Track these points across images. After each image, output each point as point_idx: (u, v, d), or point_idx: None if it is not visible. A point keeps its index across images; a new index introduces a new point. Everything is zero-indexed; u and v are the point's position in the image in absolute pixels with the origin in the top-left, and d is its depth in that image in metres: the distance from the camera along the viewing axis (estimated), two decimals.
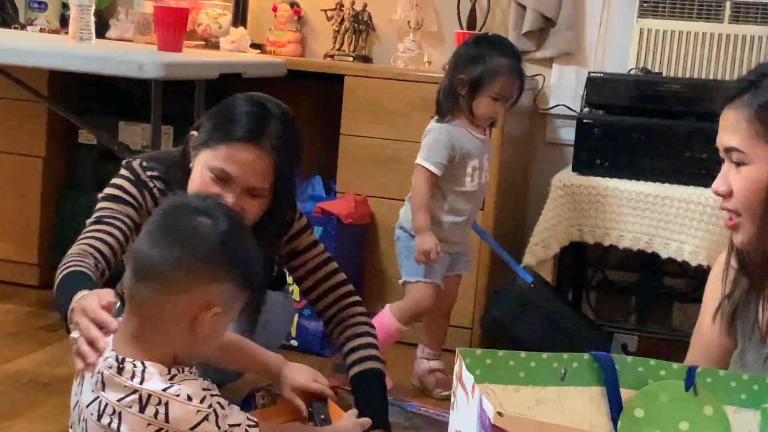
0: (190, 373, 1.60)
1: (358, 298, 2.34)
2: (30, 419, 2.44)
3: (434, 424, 2.41)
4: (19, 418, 2.45)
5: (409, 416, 2.34)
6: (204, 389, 1.56)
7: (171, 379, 1.54)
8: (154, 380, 1.52)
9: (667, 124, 3.01)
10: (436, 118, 2.82)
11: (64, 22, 3.77)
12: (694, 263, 2.90)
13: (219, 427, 1.54)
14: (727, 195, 1.59)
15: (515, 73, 2.75)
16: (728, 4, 3.25)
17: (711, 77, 3.28)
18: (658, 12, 3.35)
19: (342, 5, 3.71)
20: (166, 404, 1.50)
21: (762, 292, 1.64)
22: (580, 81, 3.48)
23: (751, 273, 1.66)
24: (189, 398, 1.52)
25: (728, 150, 1.58)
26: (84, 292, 1.73)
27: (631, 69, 3.38)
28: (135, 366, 1.52)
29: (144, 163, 2.19)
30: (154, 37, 3.23)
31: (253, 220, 2.02)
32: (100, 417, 1.53)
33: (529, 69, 3.62)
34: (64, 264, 2.03)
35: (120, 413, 1.51)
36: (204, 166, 2.00)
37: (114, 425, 1.51)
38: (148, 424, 1.50)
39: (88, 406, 1.56)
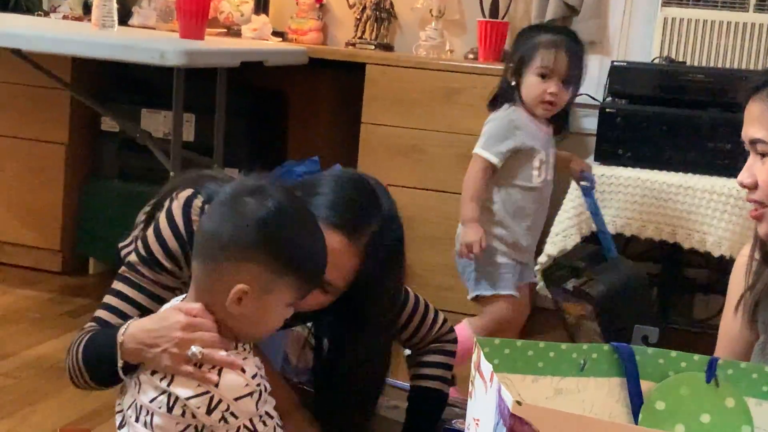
0: (244, 350, 1.61)
1: (449, 330, 2.12)
2: (52, 405, 2.46)
3: (455, 409, 2.39)
4: (41, 403, 2.47)
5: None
6: (257, 367, 1.58)
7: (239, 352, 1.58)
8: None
9: (691, 114, 2.99)
10: (491, 108, 2.72)
11: (87, 9, 3.78)
12: (716, 254, 2.89)
13: (257, 409, 1.57)
14: (753, 187, 1.58)
15: (558, 45, 2.62)
16: None
17: (735, 67, 3.26)
18: (682, 1, 3.33)
19: None
20: (220, 370, 1.52)
21: None
22: (603, 70, 3.46)
23: None
24: (243, 371, 1.54)
25: (753, 142, 1.57)
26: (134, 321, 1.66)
27: (655, 58, 3.37)
28: None
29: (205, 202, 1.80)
30: (176, 25, 3.23)
31: (317, 307, 1.79)
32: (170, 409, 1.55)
33: None
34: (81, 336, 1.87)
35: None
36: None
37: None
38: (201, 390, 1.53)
39: (152, 401, 1.57)
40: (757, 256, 1.68)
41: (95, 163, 3.68)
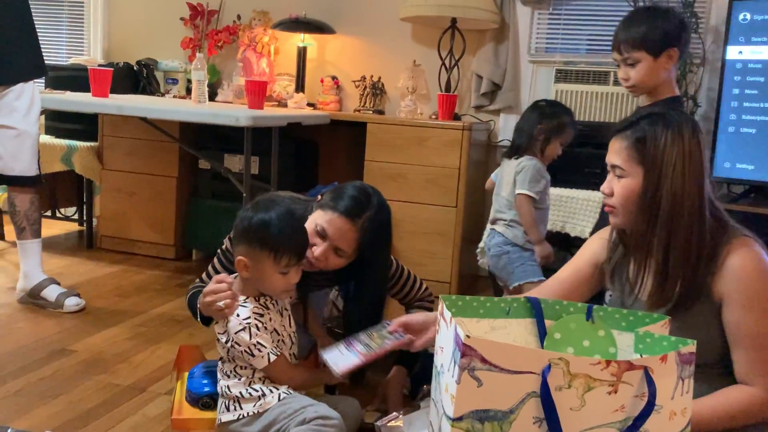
0: (256, 300, 1.74)
1: (428, 293, 2.17)
2: (170, 343, 2.47)
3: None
4: (162, 342, 2.48)
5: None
6: (255, 313, 1.70)
7: (244, 302, 1.72)
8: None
9: (574, 150, 2.99)
10: (515, 156, 2.60)
11: (188, 91, 3.79)
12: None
13: (251, 338, 1.67)
14: (610, 194, 1.62)
15: (573, 126, 2.61)
16: (612, 73, 3.25)
17: (602, 120, 3.28)
18: (567, 79, 3.35)
19: (365, 78, 3.72)
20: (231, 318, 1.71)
21: (631, 257, 1.66)
22: None
23: (626, 244, 1.68)
24: (238, 315, 1.70)
25: (613, 166, 1.60)
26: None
27: None
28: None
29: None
30: (245, 100, 3.25)
31: (336, 266, 1.87)
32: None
33: (484, 116, 3.63)
34: (192, 289, 2.01)
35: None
36: (314, 221, 1.85)
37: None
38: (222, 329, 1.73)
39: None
40: (611, 237, 1.71)
41: (195, 188, 3.68)
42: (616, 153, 1.58)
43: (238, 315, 1.69)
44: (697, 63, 3.21)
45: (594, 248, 1.75)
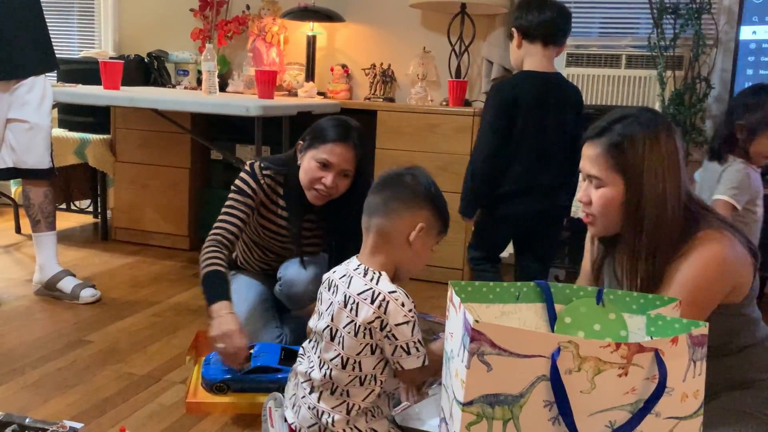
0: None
1: None
2: (184, 332, 2.49)
3: (443, 327, 2.39)
4: (178, 331, 2.50)
5: (427, 323, 2.33)
6: (412, 303, 1.52)
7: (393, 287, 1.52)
8: (384, 283, 1.51)
9: (585, 135, 2.99)
10: (716, 161, 2.33)
11: (199, 82, 3.81)
12: None
13: (413, 335, 1.50)
14: (588, 203, 1.57)
15: None
16: (624, 56, 3.22)
17: (614, 103, 3.25)
18: (579, 63, 3.32)
19: (375, 65, 3.71)
20: (388, 302, 1.48)
21: (613, 257, 1.64)
22: None
23: (605, 245, 1.66)
24: (403, 305, 1.49)
25: (589, 176, 1.55)
26: (223, 306, 1.91)
27: None
28: (374, 273, 1.53)
29: (262, 164, 2.19)
30: (256, 90, 3.25)
31: (344, 189, 2.09)
32: (345, 305, 1.52)
33: None
34: (207, 255, 2.06)
35: (357, 303, 1.50)
36: (311, 159, 2.05)
37: (353, 312, 1.50)
38: (374, 312, 1.48)
39: (344, 326, 1.52)
40: (592, 242, 1.70)
41: (207, 179, 3.70)
42: (592, 162, 1.53)
43: (403, 305, 1.49)
44: (710, 44, 3.18)
45: (588, 249, 1.75)
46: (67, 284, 2.76)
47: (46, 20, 2.78)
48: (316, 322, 1.60)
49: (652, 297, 1.43)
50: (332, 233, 2.25)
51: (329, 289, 1.59)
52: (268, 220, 2.25)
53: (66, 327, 2.48)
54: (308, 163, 2.06)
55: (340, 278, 1.57)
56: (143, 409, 1.90)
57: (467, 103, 3.41)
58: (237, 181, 2.19)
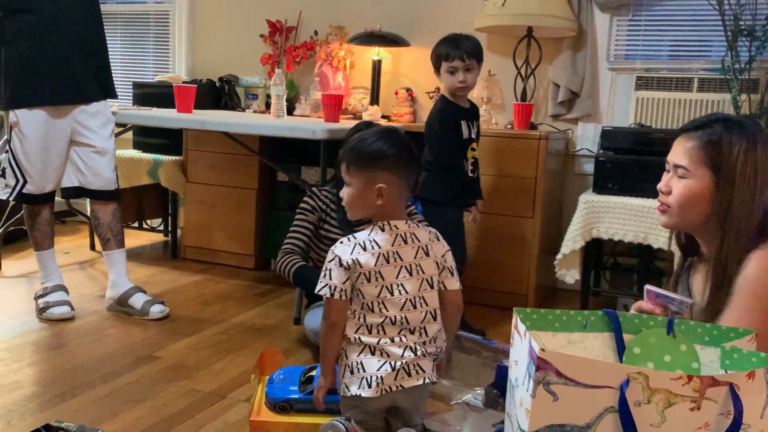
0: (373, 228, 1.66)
1: None
2: (249, 351, 2.52)
3: (506, 354, 2.35)
4: (243, 349, 2.53)
5: (491, 349, 2.30)
6: (355, 245, 1.61)
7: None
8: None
9: (655, 159, 2.92)
10: None
11: (267, 106, 3.89)
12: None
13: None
14: (667, 193, 1.57)
15: None
16: (696, 79, 3.14)
17: None
18: (648, 86, 3.27)
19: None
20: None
21: (691, 266, 1.61)
22: (597, 132, 3.41)
23: (683, 252, 1.63)
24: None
25: (677, 166, 1.55)
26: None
27: (631, 124, 3.31)
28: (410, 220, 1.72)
29: (319, 187, 2.45)
30: (322, 114, 3.30)
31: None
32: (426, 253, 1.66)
33: (561, 125, 3.57)
34: (287, 259, 2.38)
35: (429, 246, 1.67)
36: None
37: (432, 253, 1.67)
38: (443, 246, 1.69)
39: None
40: (674, 248, 1.66)
41: (273, 200, 3.76)
42: (683, 152, 1.53)
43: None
44: None
45: None
46: (137, 300, 2.85)
47: (123, 46, 2.90)
48: (399, 291, 1.60)
49: (725, 329, 1.38)
50: None
51: (391, 260, 1.61)
52: (326, 236, 2.45)
53: (135, 342, 2.55)
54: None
55: (399, 241, 1.62)
56: (208, 426, 1.93)
57: (533, 126, 3.39)
58: (301, 203, 2.40)
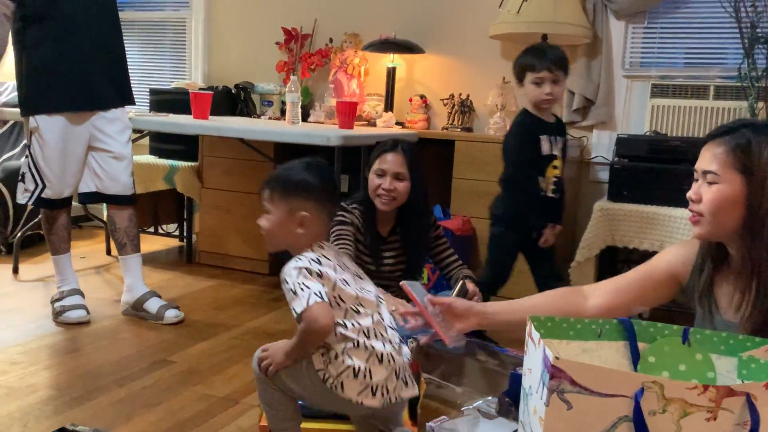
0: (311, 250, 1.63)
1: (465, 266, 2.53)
2: None
3: (519, 362, 2.35)
4: None
5: (504, 357, 2.29)
6: (312, 260, 1.59)
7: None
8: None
9: (670, 167, 2.90)
10: None
11: (283, 112, 3.91)
12: None
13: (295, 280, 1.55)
14: (697, 201, 1.52)
15: None
16: (712, 87, 3.12)
17: (699, 135, 3.15)
18: (664, 94, 3.25)
19: (453, 96, 3.73)
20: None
21: (718, 274, 1.57)
22: (612, 140, 3.39)
23: (714, 260, 1.59)
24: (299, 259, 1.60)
25: (706, 172, 1.52)
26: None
27: (646, 131, 3.29)
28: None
29: (348, 201, 2.43)
30: (336, 120, 3.31)
31: (403, 196, 2.34)
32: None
33: (576, 132, 3.56)
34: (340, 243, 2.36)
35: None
36: (372, 174, 2.36)
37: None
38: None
39: None
40: (697, 263, 1.61)
41: None
42: (711, 158, 1.50)
43: (299, 260, 1.64)
44: None
45: (671, 259, 1.65)
46: (152, 305, 2.86)
47: (141, 53, 2.93)
48: (366, 290, 1.63)
49: (742, 338, 1.37)
50: (408, 246, 2.46)
51: (344, 268, 1.64)
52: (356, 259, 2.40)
53: (150, 347, 2.56)
54: (370, 179, 2.36)
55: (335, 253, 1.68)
56: (221, 431, 1.93)
57: None
58: (337, 218, 2.36)
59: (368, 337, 1.56)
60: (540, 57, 2.51)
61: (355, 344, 1.55)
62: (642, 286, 1.66)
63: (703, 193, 1.51)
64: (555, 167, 2.57)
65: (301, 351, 1.58)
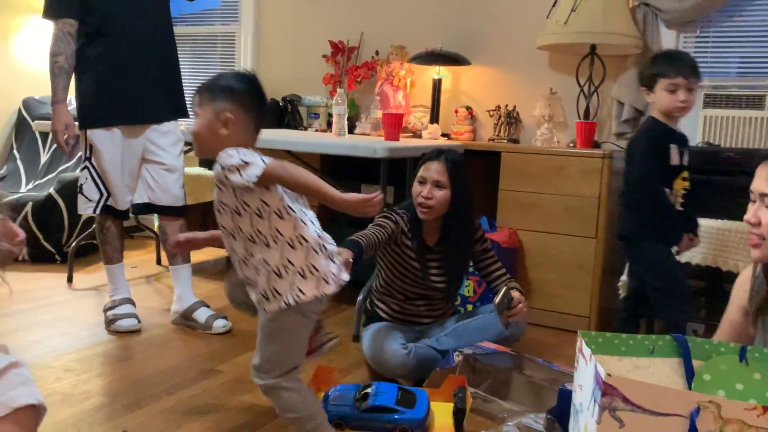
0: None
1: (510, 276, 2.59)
2: (306, 367, 2.46)
3: (568, 377, 2.31)
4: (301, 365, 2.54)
5: (552, 372, 2.26)
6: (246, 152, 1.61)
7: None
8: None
9: (725, 179, 2.83)
10: None
11: (329, 125, 3.94)
12: None
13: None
14: (757, 224, 1.49)
15: None
16: (767, 97, 3.04)
17: (754, 147, 3.07)
18: (717, 104, 3.17)
19: (499, 107, 3.71)
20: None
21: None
22: None
23: None
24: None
25: (763, 195, 1.48)
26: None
27: (699, 142, 3.21)
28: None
29: (396, 208, 2.51)
30: (382, 132, 3.32)
31: (441, 206, 2.40)
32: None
33: (625, 144, 3.49)
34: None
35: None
36: (415, 182, 2.45)
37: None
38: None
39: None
40: (756, 274, 1.57)
41: (333, 217, 3.76)
42: (767, 180, 1.47)
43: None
44: None
45: (740, 295, 1.63)
46: (201, 315, 2.91)
47: (191, 66, 2.99)
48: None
49: None
50: (452, 255, 2.50)
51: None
52: (399, 258, 2.48)
53: (199, 356, 2.60)
54: (414, 187, 2.44)
55: None
56: None
57: (596, 145, 3.33)
58: (382, 213, 2.44)
59: (307, 228, 1.66)
60: (675, 63, 2.41)
61: (294, 244, 1.63)
62: (733, 330, 1.66)
63: (762, 216, 1.47)
64: (684, 179, 2.50)
65: (310, 180, 1.65)
